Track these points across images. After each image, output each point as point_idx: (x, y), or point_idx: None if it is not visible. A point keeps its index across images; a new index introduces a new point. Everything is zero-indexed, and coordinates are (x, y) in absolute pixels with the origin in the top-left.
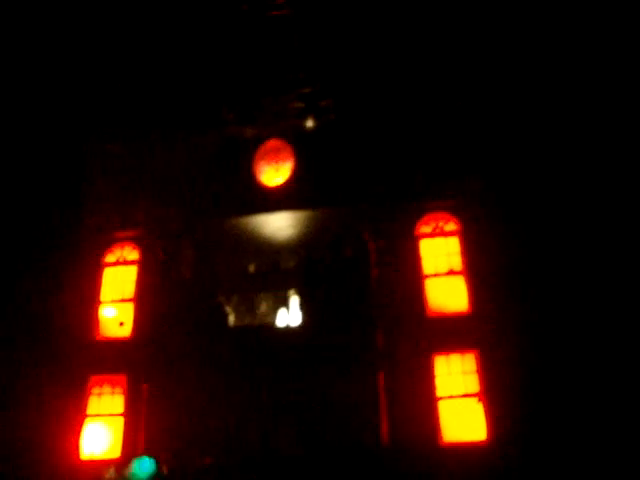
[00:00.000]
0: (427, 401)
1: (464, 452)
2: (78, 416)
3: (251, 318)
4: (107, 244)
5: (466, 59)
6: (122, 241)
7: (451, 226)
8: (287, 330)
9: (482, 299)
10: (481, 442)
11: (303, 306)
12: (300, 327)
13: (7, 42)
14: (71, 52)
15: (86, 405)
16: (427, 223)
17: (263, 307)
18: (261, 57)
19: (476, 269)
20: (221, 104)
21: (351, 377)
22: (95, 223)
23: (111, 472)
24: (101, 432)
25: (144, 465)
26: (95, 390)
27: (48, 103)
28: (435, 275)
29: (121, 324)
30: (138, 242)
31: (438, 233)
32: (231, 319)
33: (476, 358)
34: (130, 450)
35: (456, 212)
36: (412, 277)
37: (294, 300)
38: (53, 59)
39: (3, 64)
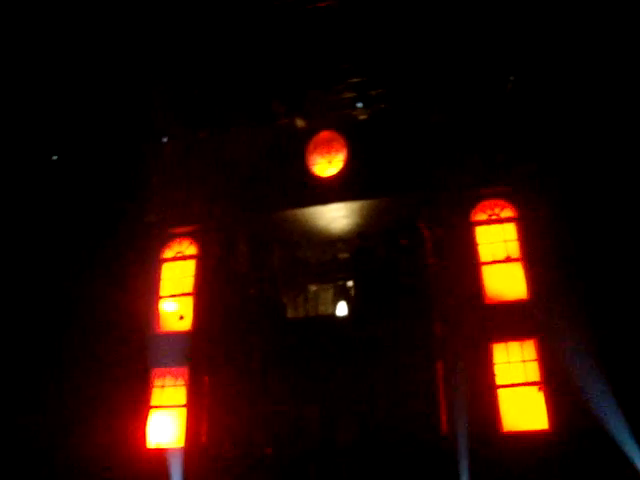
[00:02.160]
0: (487, 389)
1: (525, 440)
2: (143, 407)
3: (308, 310)
4: (166, 240)
5: (518, 42)
6: (180, 236)
7: (507, 212)
8: (344, 321)
9: (540, 286)
10: (542, 431)
11: (360, 296)
12: (357, 318)
13: (68, 39)
14: (129, 50)
15: (150, 397)
16: (483, 210)
17: (320, 298)
18: (310, 49)
19: (533, 255)
20: (272, 98)
21: (410, 366)
22: (154, 220)
23: None
24: (166, 422)
25: None
26: (158, 382)
27: (108, 101)
28: (492, 262)
29: (181, 318)
30: (196, 237)
31: (494, 220)
32: (288, 311)
33: (535, 346)
34: (194, 439)
35: (511, 198)
36: (469, 265)
37: (351, 291)
38: (112, 58)
39: (68, 62)
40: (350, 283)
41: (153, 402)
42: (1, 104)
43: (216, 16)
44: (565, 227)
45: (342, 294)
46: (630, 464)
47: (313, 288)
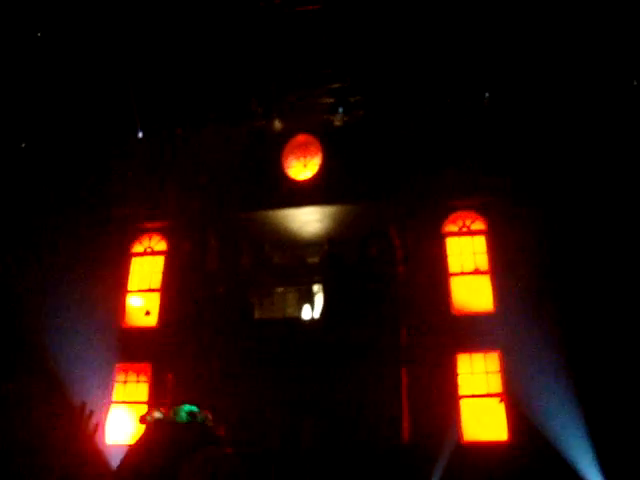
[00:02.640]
0: (449, 399)
1: (485, 451)
2: (104, 404)
3: (276, 311)
4: (135, 234)
5: (494, 55)
6: (150, 232)
7: (478, 225)
8: (311, 324)
9: (507, 299)
10: (502, 442)
11: (327, 301)
12: (324, 322)
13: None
14: (105, 44)
15: (112, 392)
16: (454, 222)
17: (288, 301)
18: (291, 52)
19: (502, 269)
20: (250, 98)
21: (374, 373)
22: (123, 214)
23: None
24: (126, 419)
25: (185, 408)
26: (120, 377)
27: (77, 95)
28: (461, 274)
29: (147, 313)
30: (166, 233)
31: (465, 232)
32: (256, 312)
33: (499, 358)
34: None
35: (483, 211)
36: (438, 275)
37: (319, 295)
38: (85, 52)
39: (46, 54)
40: (318, 287)
41: (115, 398)
42: None
43: (199, 14)
44: (534, 242)
45: (309, 298)
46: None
47: (281, 290)
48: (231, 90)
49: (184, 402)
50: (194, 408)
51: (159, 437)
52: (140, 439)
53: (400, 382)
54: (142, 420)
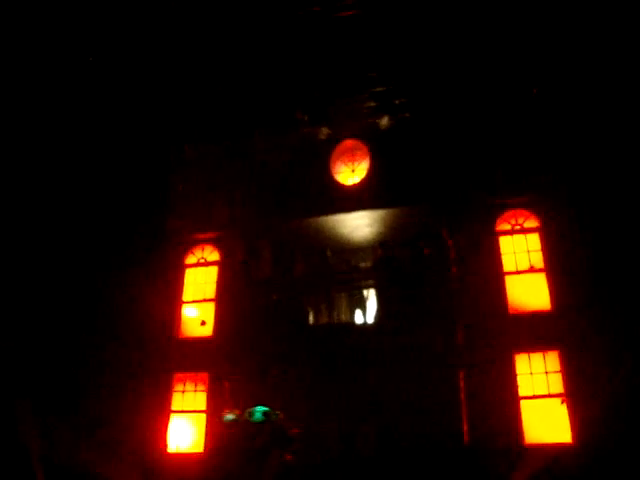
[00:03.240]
0: (509, 401)
1: (547, 454)
2: (164, 412)
3: (330, 317)
4: (188, 246)
5: (543, 52)
6: (203, 242)
7: (531, 223)
8: (366, 329)
9: (564, 296)
10: (565, 444)
11: (382, 305)
12: (379, 326)
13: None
14: (154, 56)
15: (170, 402)
16: (506, 220)
17: (342, 306)
18: (334, 57)
19: (557, 266)
20: (296, 106)
21: (431, 376)
22: (176, 225)
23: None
24: (185, 427)
25: (259, 409)
26: (179, 387)
27: (133, 106)
28: (516, 272)
29: (203, 323)
30: (218, 243)
31: (518, 230)
32: (310, 318)
33: (559, 357)
34: (213, 445)
35: (535, 209)
36: (492, 275)
37: (373, 299)
38: (136, 62)
39: (91, 65)
40: (372, 291)
41: (174, 407)
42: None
43: (242, 25)
44: (589, 237)
45: (364, 302)
46: None
47: (335, 295)
48: (277, 99)
49: (257, 404)
50: (267, 409)
51: (237, 438)
52: (219, 441)
53: (458, 384)
54: (219, 421)
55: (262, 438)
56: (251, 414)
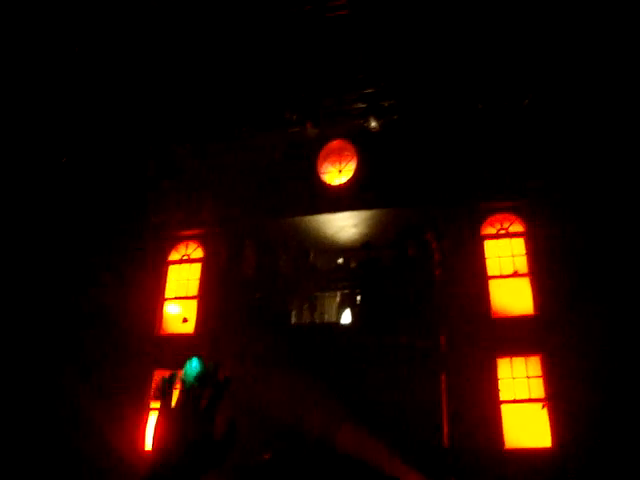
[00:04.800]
0: (490, 404)
1: (527, 458)
2: (142, 410)
3: (313, 317)
4: (172, 242)
5: (530, 53)
6: (187, 239)
7: (516, 227)
8: (349, 330)
9: (548, 301)
10: (545, 449)
11: (365, 306)
12: (362, 327)
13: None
14: (141, 53)
15: (150, 399)
16: (491, 224)
17: (325, 306)
18: (323, 57)
19: (541, 271)
20: (284, 105)
21: (413, 378)
22: (160, 221)
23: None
24: None
25: (194, 365)
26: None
27: (116, 105)
28: (500, 277)
29: (185, 320)
30: (202, 240)
31: (503, 234)
32: (293, 317)
33: (541, 362)
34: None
35: (521, 213)
36: (476, 278)
37: (356, 300)
38: (122, 59)
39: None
40: (356, 292)
41: (153, 404)
42: (10, 107)
43: (230, 23)
44: (574, 243)
45: (347, 303)
46: None
47: (318, 296)
48: (265, 98)
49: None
50: (199, 364)
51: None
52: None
53: (440, 387)
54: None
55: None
56: (190, 369)
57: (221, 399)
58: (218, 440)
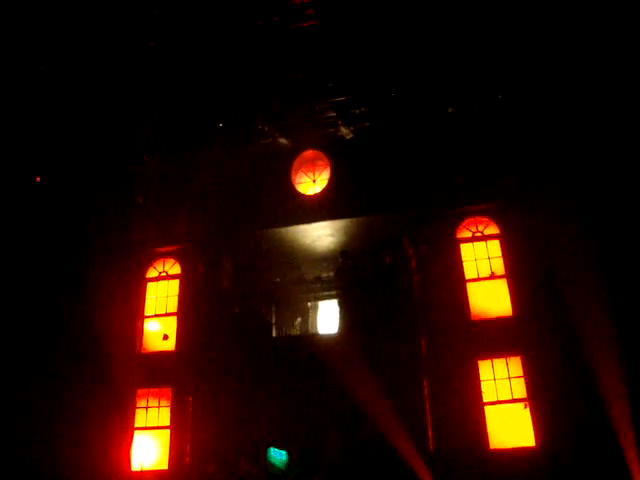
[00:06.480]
0: (473, 406)
1: (512, 458)
2: (126, 429)
3: (293, 327)
4: (149, 259)
5: (501, 60)
6: (164, 256)
7: (491, 230)
8: (329, 339)
9: (525, 302)
10: (530, 448)
11: (345, 314)
12: (342, 335)
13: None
14: (114, 66)
15: (133, 418)
16: (467, 227)
17: (305, 316)
18: (293, 68)
19: (518, 272)
20: (255, 117)
21: (396, 384)
22: (137, 239)
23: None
24: (149, 444)
25: (278, 454)
26: (142, 403)
27: (91, 122)
28: (477, 279)
29: (165, 337)
30: (179, 256)
31: (478, 237)
32: (273, 329)
33: (521, 362)
34: (177, 461)
35: (496, 216)
36: (454, 282)
37: (336, 308)
38: (97, 72)
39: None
40: (335, 301)
41: (137, 423)
42: None
43: (200, 36)
44: (549, 244)
45: (326, 312)
46: None
47: (298, 306)
48: (237, 110)
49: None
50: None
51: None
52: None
53: (423, 391)
54: None
55: None
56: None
57: None
58: None
